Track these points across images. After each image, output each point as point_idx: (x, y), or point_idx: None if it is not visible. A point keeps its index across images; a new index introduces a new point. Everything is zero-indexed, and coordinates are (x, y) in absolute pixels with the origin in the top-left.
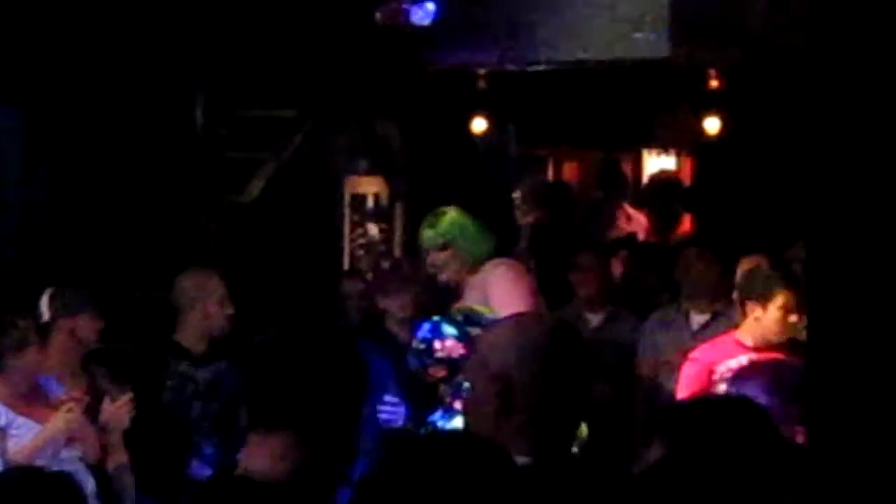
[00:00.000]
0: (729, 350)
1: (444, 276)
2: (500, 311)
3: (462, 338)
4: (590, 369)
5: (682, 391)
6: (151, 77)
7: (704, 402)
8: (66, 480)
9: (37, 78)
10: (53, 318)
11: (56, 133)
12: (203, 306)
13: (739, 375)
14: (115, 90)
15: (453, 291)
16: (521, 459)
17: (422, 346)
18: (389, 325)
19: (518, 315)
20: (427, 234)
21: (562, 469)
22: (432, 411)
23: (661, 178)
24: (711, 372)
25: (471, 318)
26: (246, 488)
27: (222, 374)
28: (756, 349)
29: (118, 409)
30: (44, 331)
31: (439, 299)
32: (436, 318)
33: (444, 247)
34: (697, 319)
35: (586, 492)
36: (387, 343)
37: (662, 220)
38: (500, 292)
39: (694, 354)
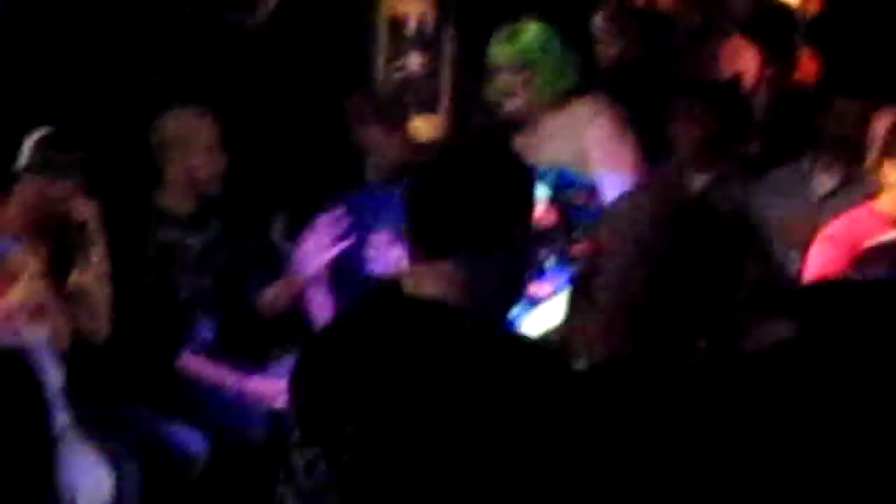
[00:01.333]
0: (873, 225)
1: (512, 105)
2: (605, 177)
3: (556, 202)
4: (720, 266)
5: (816, 274)
6: None
7: (855, 282)
8: (13, 359)
9: None
10: (28, 168)
11: None
12: (186, 156)
13: (864, 257)
14: None
15: (510, 128)
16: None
17: None
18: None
19: (638, 188)
20: (504, 50)
21: (625, 373)
22: None
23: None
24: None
25: (562, 178)
26: (419, 308)
27: (217, 242)
28: None
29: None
30: (9, 179)
31: None
32: None
33: (522, 67)
34: (824, 184)
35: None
36: None
37: (777, 56)
38: (605, 152)
39: (829, 231)
